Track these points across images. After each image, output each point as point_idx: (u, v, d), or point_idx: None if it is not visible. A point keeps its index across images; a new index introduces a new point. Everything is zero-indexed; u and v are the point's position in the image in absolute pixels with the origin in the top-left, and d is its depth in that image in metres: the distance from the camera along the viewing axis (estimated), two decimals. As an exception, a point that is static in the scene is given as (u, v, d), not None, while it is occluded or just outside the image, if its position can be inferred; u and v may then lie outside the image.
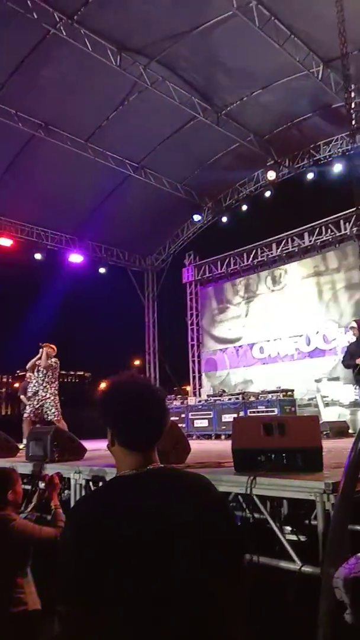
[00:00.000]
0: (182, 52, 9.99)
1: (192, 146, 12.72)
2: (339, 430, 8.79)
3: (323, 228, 13.46)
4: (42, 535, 2.67)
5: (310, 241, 13.73)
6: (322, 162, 12.79)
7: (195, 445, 5.30)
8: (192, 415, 12.47)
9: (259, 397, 11.63)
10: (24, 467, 5.02)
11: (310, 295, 13.65)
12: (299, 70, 10.02)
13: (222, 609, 1.32)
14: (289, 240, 14.21)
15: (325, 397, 11.54)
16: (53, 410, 7.54)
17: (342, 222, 12.97)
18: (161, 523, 1.32)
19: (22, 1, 8.14)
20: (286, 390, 11.73)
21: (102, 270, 15.79)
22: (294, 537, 3.27)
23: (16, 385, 9.85)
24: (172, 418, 11.43)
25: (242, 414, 11.16)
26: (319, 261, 13.70)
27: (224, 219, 14.79)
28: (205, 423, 12.15)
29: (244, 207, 14.27)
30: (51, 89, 10.44)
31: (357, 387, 6.90)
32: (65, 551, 1.37)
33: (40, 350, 7.88)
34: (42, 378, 7.76)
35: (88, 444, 5.38)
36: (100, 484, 3.65)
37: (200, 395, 14.51)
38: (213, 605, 1.30)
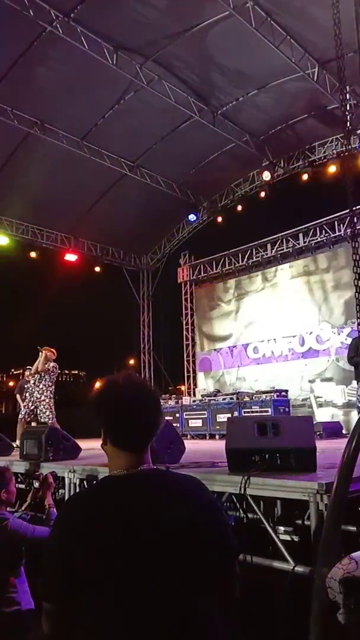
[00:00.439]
0: (179, 51, 9.99)
1: (187, 146, 12.73)
2: (333, 430, 8.83)
3: (317, 229, 13.51)
4: (35, 534, 2.67)
5: (304, 242, 13.78)
6: (317, 163, 12.84)
7: (189, 445, 5.30)
8: (186, 415, 12.48)
9: (253, 397, 11.65)
10: (19, 466, 5.02)
11: (304, 295, 13.71)
12: (294, 72, 10.05)
13: (208, 611, 1.32)
14: (284, 240, 14.25)
15: (319, 397, 11.60)
16: (47, 413, 7.54)
17: (336, 223, 13.03)
18: (149, 524, 1.32)
19: (19, -1, 8.12)
20: (280, 391, 11.76)
21: (97, 269, 15.77)
22: (287, 537, 3.27)
23: (11, 383, 9.82)
24: (167, 417, 11.43)
25: (236, 414, 11.18)
26: (309, 261, 13.80)
27: (219, 219, 14.81)
28: (199, 423, 12.16)
29: (239, 208, 14.30)
30: (47, 87, 10.42)
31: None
32: (50, 549, 1.38)
33: (40, 353, 7.86)
34: (38, 380, 7.77)
35: (83, 443, 5.37)
36: (94, 483, 3.65)
37: (194, 395, 14.52)
38: (199, 607, 1.30)
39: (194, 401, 13.18)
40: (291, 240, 14.09)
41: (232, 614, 1.40)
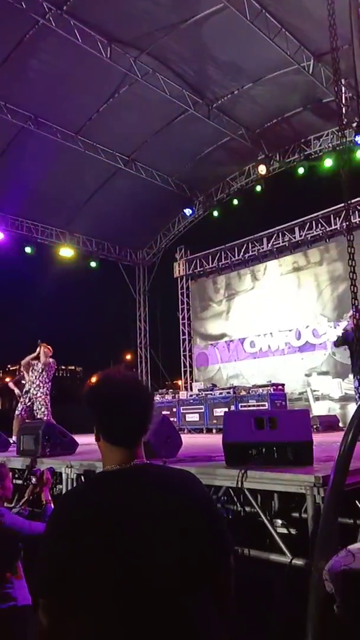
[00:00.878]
0: (173, 44, 9.92)
1: (183, 139, 12.67)
2: (329, 424, 8.87)
3: (314, 223, 13.51)
4: (32, 530, 2.66)
5: (300, 236, 13.78)
6: (312, 156, 12.81)
7: (186, 439, 5.31)
8: (183, 409, 12.50)
9: (250, 392, 11.68)
10: (16, 462, 5.02)
11: (299, 290, 13.73)
12: (289, 65, 10.00)
13: (202, 607, 1.32)
14: (280, 234, 14.24)
15: (315, 391, 11.64)
16: (43, 410, 7.56)
17: (332, 216, 13.03)
18: (142, 519, 1.32)
19: (11, -9, 8.04)
20: (277, 385, 11.79)
21: (93, 264, 15.70)
22: (284, 530, 3.29)
23: (7, 380, 9.77)
24: (164, 412, 11.45)
25: (233, 408, 11.21)
26: (304, 255, 13.82)
27: (215, 213, 14.78)
28: (196, 417, 12.18)
29: (235, 202, 14.27)
30: (41, 80, 10.33)
31: (357, 378, 6.91)
32: (45, 545, 1.39)
33: (38, 348, 7.86)
34: (36, 376, 7.77)
35: (80, 439, 5.37)
36: (89, 478, 3.65)
37: (191, 390, 14.54)
38: (192, 603, 1.30)
39: (190, 395, 13.20)
40: (287, 234, 14.08)
41: (228, 608, 1.40)
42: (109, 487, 1.42)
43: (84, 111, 11.56)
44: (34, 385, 7.74)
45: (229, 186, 14.82)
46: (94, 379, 1.56)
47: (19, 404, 7.89)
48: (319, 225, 13.37)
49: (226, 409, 10.76)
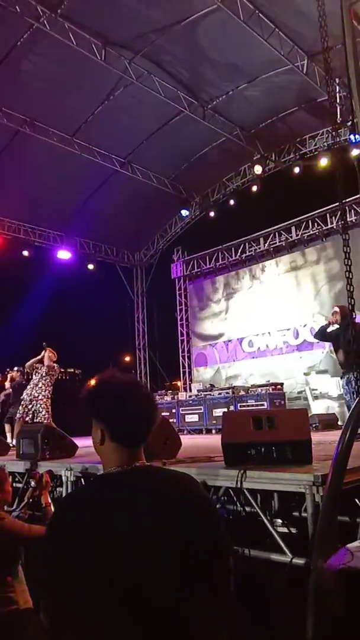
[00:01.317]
0: (167, 46, 9.94)
1: (178, 141, 12.68)
2: (328, 422, 8.87)
3: (310, 222, 13.53)
4: (32, 533, 2.66)
5: (297, 235, 13.80)
6: (308, 156, 12.83)
7: (186, 440, 5.32)
8: (182, 410, 12.50)
9: (249, 391, 11.69)
10: (16, 465, 5.02)
11: (296, 289, 13.75)
12: (283, 64, 10.02)
13: (200, 608, 1.32)
14: (277, 234, 14.26)
15: (314, 389, 11.64)
16: (43, 413, 7.56)
17: (328, 215, 13.05)
18: (142, 522, 1.33)
19: (4, -5, 8.05)
20: (275, 384, 11.79)
21: (90, 266, 15.71)
22: (284, 530, 3.29)
23: (7, 384, 9.79)
24: (163, 413, 11.43)
25: (232, 408, 11.21)
26: (297, 256, 13.86)
27: (212, 214, 14.79)
28: (195, 418, 12.18)
29: (232, 202, 14.28)
30: (36, 84, 10.34)
31: (343, 378, 6.90)
32: (45, 547, 1.40)
33: (43, 351, 7.89)
34: (38, 379, 7.79)
35: (79, 441, 5.37)
36: (90, 480, 3.65)
37: (190, 391, 14.55)
38: (190, 605, 1.30)
39: (189, 396, 13.20)
40: (284, 233, 14.10)
41: (227, 609, 1.40)
42: (110, 489, 1.42)
43: (79, 114, 11.57)
44: (37, 388, 7.75)
45: (225, 187, 14.83)
46: (96, 382, 1.56)
47: (20, 407, 7.89)
48: (315, 224, 13.40)
49: (225, 409, 10.76)
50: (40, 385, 7.77)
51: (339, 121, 9.48)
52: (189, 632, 1.29)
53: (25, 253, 14.24)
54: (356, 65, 3.48)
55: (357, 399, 2.30)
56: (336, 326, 6.92)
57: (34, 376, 7.95)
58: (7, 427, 8.82)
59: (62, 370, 9.22)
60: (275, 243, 14.29)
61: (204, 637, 1.31)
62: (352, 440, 1.97)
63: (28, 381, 8.28)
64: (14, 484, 4.48)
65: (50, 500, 3.23)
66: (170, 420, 10.93)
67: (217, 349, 15.51)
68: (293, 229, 13.90)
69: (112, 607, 1.26)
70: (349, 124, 10.31)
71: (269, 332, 14.13)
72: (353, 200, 11.15)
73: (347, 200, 10.40)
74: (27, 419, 7.70)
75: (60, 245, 15.09)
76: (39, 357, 7.98)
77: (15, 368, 9.86)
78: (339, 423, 9.09)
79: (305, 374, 12.68)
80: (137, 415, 1.48)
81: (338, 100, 9.96)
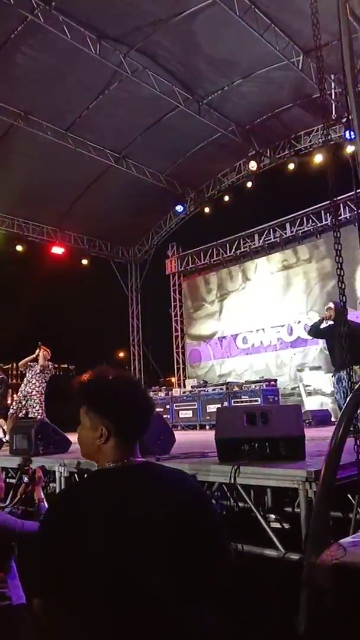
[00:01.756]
0: (163, 40, 9.88)
1: (173, 136, 12.64)
2: (321, 418, 8.91)
3: (304, 219, 13.55)
4: (25, 529, 2.66)
5: (292, 232, 13.81)
6: (303, 152, 12.83)
7: (180, 435, 5.32)
8: (176, 406, 12.51)
9: (243, 387, 11.71)
10: (9, 461, 5.00)
11: (290, 285, 13.78)
12: (279, 60, 10.00)
13: (198, 604, 1.32)
14: (271, 230, 14.27)
15: (307, 386, 11.67)
16: (37, 408, 7.54)
17: (322, 212, 13.07)
18: (138, 517, 1.33)
19: (-2, -13, 7.97)
20: (269, 380, 11.81)
21: (84, 261, 15.66)
22: (278, 525, 3.31)
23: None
24: (157, 409, 11.42)
25: (226, 404, 11.23)
26: (294, 252, 13.87)
27: (207, 210, 14.78)
28: (189, 414, 12.20)
29: (226, 198, 14.27)
30: (30, 77, 10.24)
31: (334, 376, 6.91)
32: (38, 544, 1.39)
33: (37, 349, 7.85)
34: (32, 375, 7.76)
35: (72, 437, 5.35)
36: (86, 476, 3.65)
37: (184, 387, 14.57)
38: (190, 599, 1.30)
39: (184, 392, 13.22)
40: (278, 230, 14.11)
41: (225, 604, 1.41)
42: (105, 485, 1.42)
43: (74, 108, 11.49)
44: (30, 384, 7.73)
45: (220, 183, 14.81)
46: (99, 380, 1.54)
47: (14, 402, 7.87)
48: (310, 221, 13.41)
49: (219, 405, 10.79)
50: (33, 381, 7.74)
51: (334, 117, 9.47)
52: (186, 627, 1.29)
53: (19, 248, 14.16)
54: (352, 62, 3.48)
55: (349, 397, 2.31)
56: (330, 322, 6.93)
57: (27, 373, 7.91)
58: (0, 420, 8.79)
59: (56, 365, 9.16)
60: (270, 239, 14.30)
61: (201, 632, 1.31)
62: (345, 437, 1.97)
63: (21, 379, 8.24)
64: (7, 480, 4.46)
65: (43, 496, 3.22)
66: (165, 416, 10.95)
67: (211, 345, 15.53)
68: (288, 225, 13.91)
69: (107, 604, 1.25)
70: (344, 120, 10.32)
71: (263, 329, 14.17)
72: (347, 197, 11.16)
73: (341, 197, 10.40)
74: (20, 414, 7.67)
75: (54, 240, 15.02)
76: (33, 355, 7.93)
77: None
78: (332, 419, 9.14)
79: (298, 370, 12.72)
80: (139, 411, 1.51)
81: (333, 97, 9.97)
